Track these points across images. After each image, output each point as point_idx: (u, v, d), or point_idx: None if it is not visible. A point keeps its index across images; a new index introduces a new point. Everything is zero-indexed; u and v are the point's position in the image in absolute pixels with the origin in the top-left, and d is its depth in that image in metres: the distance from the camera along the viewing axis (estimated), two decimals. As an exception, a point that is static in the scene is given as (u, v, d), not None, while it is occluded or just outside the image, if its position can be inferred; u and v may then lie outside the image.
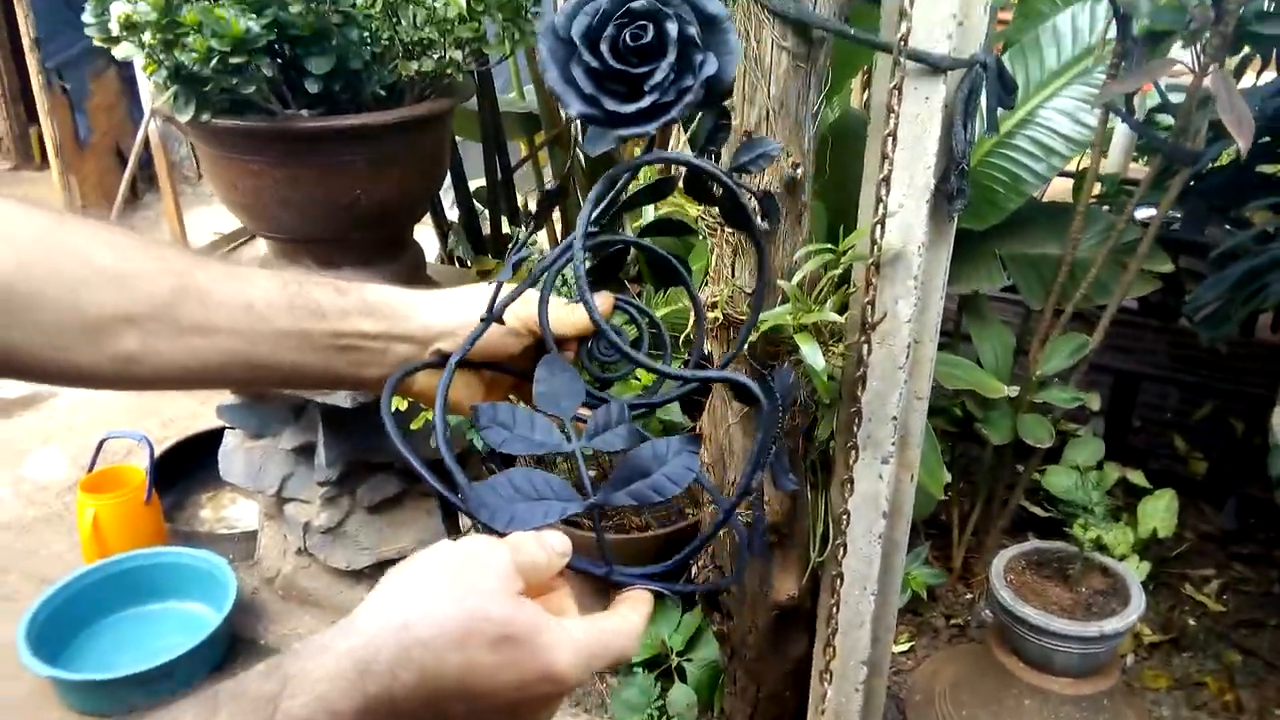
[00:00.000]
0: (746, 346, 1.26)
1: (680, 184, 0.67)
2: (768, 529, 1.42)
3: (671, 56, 0.53)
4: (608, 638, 0.54)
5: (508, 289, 0.66)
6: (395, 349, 0.69)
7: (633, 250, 0.70)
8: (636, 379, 1.96)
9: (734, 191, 0.61)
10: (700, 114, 0.60)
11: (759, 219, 0.67)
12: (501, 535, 0.54)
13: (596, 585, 0.58)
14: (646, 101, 0.54)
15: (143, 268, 0.62)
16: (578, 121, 2.16)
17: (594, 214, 0.59)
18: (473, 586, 0.50)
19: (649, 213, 1.46)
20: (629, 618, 0.56)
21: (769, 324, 1.21)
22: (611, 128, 0.55)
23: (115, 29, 1.54)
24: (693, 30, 0.54)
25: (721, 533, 1.48)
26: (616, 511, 2.11)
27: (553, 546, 0.55)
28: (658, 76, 0.53)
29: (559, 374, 0.62)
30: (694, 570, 1.62)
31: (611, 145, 0.57)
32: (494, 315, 0.66)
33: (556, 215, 2.42)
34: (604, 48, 0.54)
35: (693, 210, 1.38)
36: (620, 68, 0.53)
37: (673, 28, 0.53)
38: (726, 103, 1.15)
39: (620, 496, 0.55)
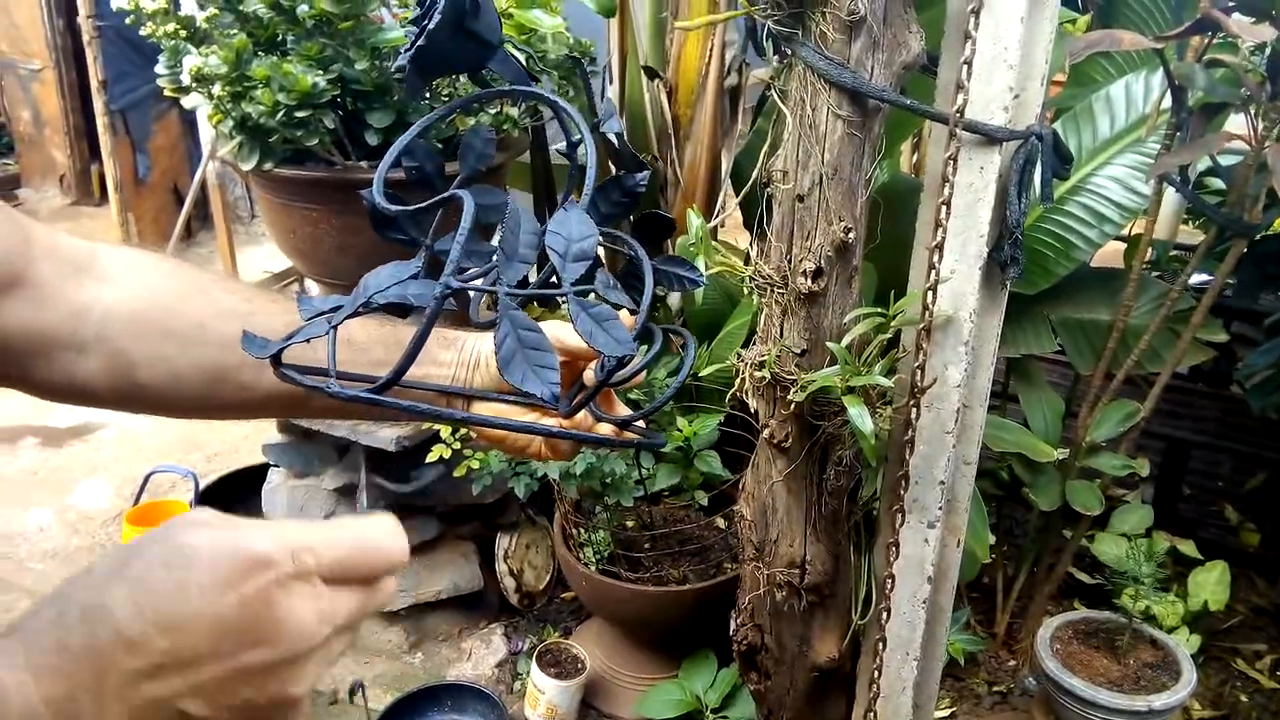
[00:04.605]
0: (794, 406, 1.26)
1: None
2: (808, 588, 1.41)
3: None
4: (332, 528, 0.49)
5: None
6: (459, 373, 0.82)
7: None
8: (667, 411, 1.96)
9: (562, 110, 0.70)
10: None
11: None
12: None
13: None
14: (418, 31, 0.69)
15: (259, 306, 0.72)
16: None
17: (391, 161, 0.67)
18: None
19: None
20: (371, 520, 0.51)
21: (817, 385, 1.21)
22: (411, 65, 0.70)
23: (186, 80, 1.60)
24: None
25: (762, 590, 1.48)
26: (656, 564, 2.09)
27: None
28: (423, 13, 0.69)
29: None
30: (733, 627, 1.61)
31: (419, 86, 0.72)
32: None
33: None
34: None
35: (741, 270, 1.39)
36: (413, 28, 0.70)
37: None
38: (778, 168, 1.17)
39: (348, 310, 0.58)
